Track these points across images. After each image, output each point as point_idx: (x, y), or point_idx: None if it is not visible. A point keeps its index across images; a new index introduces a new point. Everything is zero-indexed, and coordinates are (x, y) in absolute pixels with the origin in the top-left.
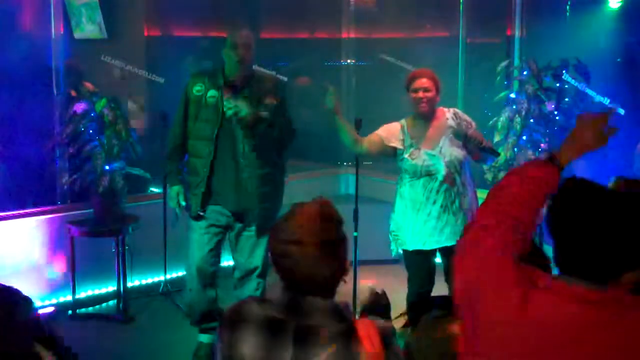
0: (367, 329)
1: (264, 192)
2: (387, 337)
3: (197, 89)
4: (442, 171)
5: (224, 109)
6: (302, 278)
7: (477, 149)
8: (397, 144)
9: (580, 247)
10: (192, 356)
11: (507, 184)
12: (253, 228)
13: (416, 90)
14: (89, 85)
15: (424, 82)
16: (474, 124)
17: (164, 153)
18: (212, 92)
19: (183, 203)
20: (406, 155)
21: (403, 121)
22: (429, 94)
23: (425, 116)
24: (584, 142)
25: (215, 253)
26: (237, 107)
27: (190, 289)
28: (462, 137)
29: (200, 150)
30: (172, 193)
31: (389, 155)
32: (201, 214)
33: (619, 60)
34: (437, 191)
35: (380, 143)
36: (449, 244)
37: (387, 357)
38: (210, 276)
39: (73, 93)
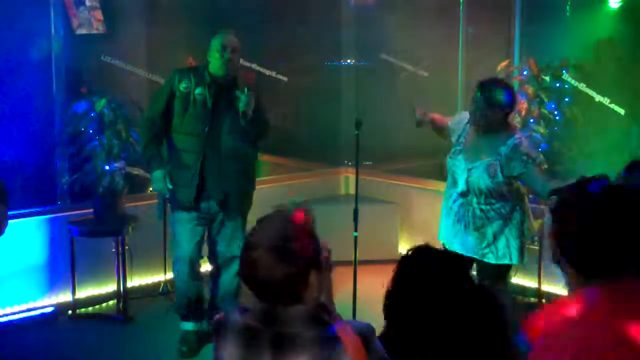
0: (345, 333)
1: (240, 171)
2: (366, 337)
3: (184, 85)
4: (460, 186)
5: (240, 100)
6: (255, 284)
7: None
8: (453, 137)
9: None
10: (179, 345)
11: None
12: (232, 216)
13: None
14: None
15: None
16: (537, 162)
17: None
18: (199, 90)
19: (170, 186)
20: (452, 150)
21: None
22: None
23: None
24: None
25: (201, 244)
26: (251, 101)
27: (182, 279)
28: (507, 174)
29: (191, 145)
30: (159, 175)
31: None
32: (194, 206)
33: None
34: (455, 200)
35: (447, 130)
36: (460, 252)
37: (369, 357)
38: (198, 266)
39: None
